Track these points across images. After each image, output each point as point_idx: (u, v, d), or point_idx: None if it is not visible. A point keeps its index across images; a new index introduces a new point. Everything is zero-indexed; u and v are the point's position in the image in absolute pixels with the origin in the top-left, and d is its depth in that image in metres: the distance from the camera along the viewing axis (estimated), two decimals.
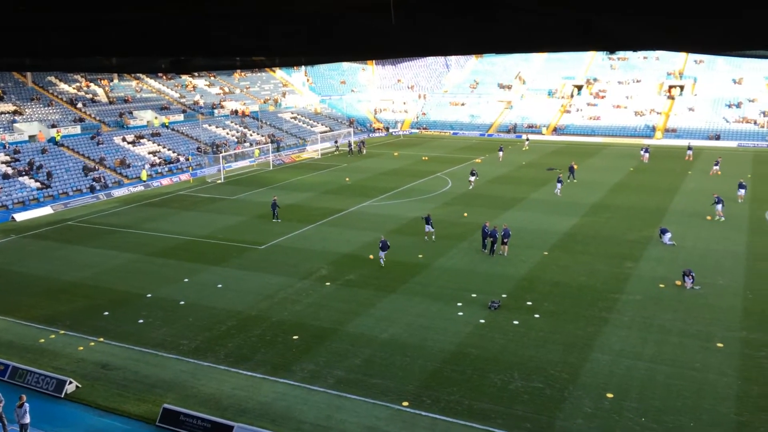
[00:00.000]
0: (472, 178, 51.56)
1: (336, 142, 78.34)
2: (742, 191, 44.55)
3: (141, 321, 26.10)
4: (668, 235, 35.16)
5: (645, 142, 76.32)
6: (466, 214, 42.24)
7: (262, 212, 44.26)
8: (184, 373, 21.81)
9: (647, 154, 63.25)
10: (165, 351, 23.40)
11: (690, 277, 28.28)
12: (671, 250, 33.91)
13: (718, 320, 24.91)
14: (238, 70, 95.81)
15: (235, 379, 21.25)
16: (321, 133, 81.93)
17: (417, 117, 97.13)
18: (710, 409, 18.85)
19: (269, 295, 28.46)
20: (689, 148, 65.59)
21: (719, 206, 39.16)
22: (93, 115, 67.60)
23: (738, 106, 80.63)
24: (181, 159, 63.49)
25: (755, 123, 77.09)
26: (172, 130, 70.40)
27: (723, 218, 39.20)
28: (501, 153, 67.47)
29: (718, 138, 75.36)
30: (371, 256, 33.15)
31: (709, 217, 39.64)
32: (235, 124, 77.02)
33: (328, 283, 29.73)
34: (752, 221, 39.44)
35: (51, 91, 69.59)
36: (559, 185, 48.12)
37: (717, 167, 55.29)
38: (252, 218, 42.82)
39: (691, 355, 22.12)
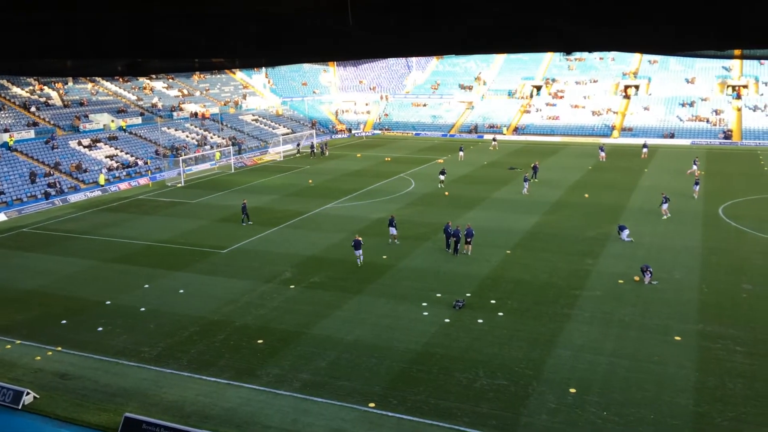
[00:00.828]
0: (442, 177, 51.84)
1: (298, 144, 77.98)
2: (697, 187, 46.03)
3: (100, 329, 25.54)
4: (626, 231, 35.96)
5: (603, 141, 77.80)
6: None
7: (224, 215, 43.78)
8: (146, 381, 21.41)
9: (603, 153, 64.52)
10: (126, 359, 22.94)
11: (648, 272, 28.96)
12: (630, 246, 34.66)
13: (676, 314, 25.56)
14: (197, 72, 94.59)
15: (199, 386, 20.96)
16: (283, 135, 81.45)
17: (379, 118, 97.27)
18: (669, 401, 19.33)
19: (232, 300, 28.16)
20: (644, 146, 67.24)
21: (665, 205, 40.13)
22: (47, 119, 65.89)
23: (691, 105, 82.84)
24: (140, 163, 62.34)
25: (707, 121, 79.25)
26: (130, 133, 69.07)
27: (667, 216, 40.03)
28: (461, 153, 68.03)
29: (672, 136, 77.31)
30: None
31: (667, 216, 40.49)
32: (195, 127, 76.00)
33: (292, 286, 29.57)
34: (706, 217, 40.61)
35: (3, 95, 67.59)
36: (525, 184, 48.71)
37: (696, 167, 54.91)
38: (214, 222, 42.32)
39: (650, 349, 22.65)
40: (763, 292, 27.77)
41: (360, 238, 32.71)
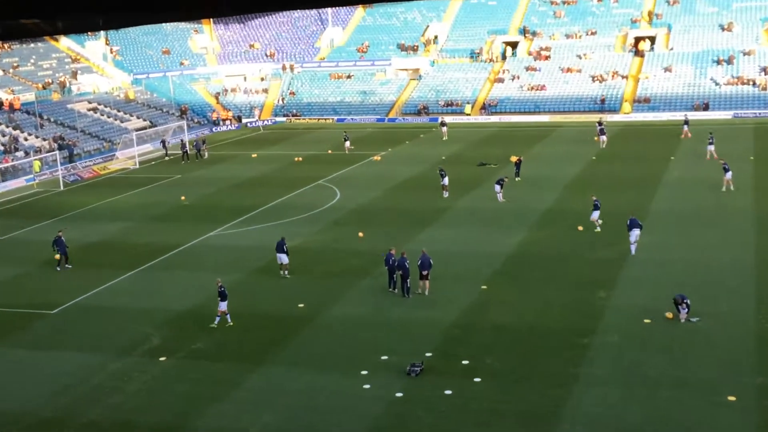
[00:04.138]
0: (445, 182, 51.14)
1: (162, 143, 76.95)
2: (729, 175, 47.81)
3: None
4: (635, 233, 37.04)
5: (609, 117, 79.39)
6: (361, 234, 42.59)
7: (50, 257, 42.72)
8: None
9: (604, 137, 65.61)
10: None
11: (684, 305, 29.64)
12: (655, 268, 35.55)
13: (726, 363, 26.27)
14: None
15: None
16: (137, 130, 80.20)
17: (283, 99, 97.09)
18: None
19: (71, 385, 27.48)
20: (686, 122, 68.38)
21: (596, 213, 41.55)
22: None
23: (729, 61, 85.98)
24: None
25: (754, 84, 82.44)
26: None
27: (729, 188, 42.44)
28: (348, 143, 70.22)
29: (706, 107, 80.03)
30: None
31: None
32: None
33: (163, 358, 29.09)
34: (759, 218, 42.21)
35: None
36: (498, 188, 48.78)
37: (712, 147, 57.80)
38: (36, 268, 41.28)
39: (694, 415, 23.22)
40: None
41: (222, 286, 31.85)
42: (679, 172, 54.72)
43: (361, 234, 42.81)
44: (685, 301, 29.76)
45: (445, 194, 50.80)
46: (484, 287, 34.47)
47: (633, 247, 37.29)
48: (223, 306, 31.70)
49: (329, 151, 70.70)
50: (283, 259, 36.88)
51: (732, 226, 41.25)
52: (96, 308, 34.82)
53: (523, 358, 27.45)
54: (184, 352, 29.56)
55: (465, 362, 27.28)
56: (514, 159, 56.92)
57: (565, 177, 55.14)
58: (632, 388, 24.97)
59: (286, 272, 37.11)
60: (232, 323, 31.64)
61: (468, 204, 49.17)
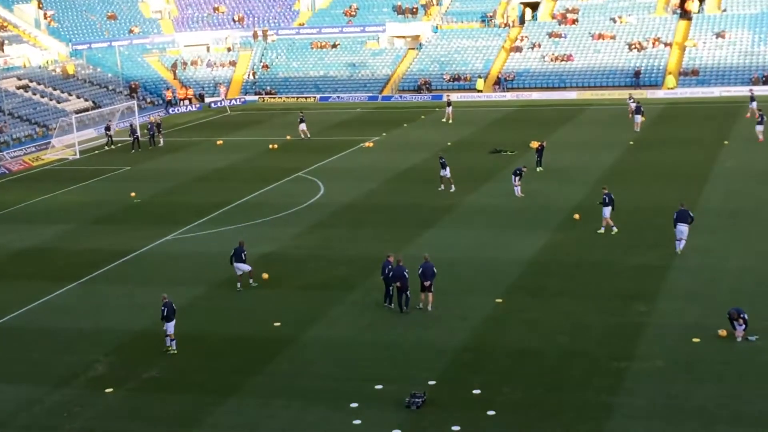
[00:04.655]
0: (446, 173, 51.22)
1: (107, 127, 76.83)
2: (760, 128, 47.97)
3: None
4: (683, 229, 37.28)
5: (649, 94, 79.56)
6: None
7: None
8: None
9: (640, 117, 65.06)
10: None
11: (740, 320, 29.66)
12: (706, 277, 35.61)
13: None
14: None
15: None
16: (78, 112, 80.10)
17: (254, 73, 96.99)
18: None
19: (1, 422, 27.39)
20: (752, 99, 67.74)
21: (606, 210, 41.64)
22: None
23: None
24: None
25: None
26: None
27: (614, 228, 41.56)
28: (303, 126, 69.97)
29: (767, 81, 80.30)
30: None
31: (602, 231, 41.86)
32: None
33: (110, 390, 29.00)
34: None
35: None
36: (516, 180, 48.73)
37: (760, 127, 58.42)
38: None
39: None
40: None
41: (168, 302, 31.73)
42: (734, 161, 54.78)
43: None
44: (741, 315, 29.68)
45: (442, 187, 50.90)
46: (499, 301, 34.46)
47: (680, 244, 37.46)
48: (170, 328, 31.42)
49: (288, 137, 70.58)
50: (242, 267, 36.88)
51: None
52: (27, 330, 34.76)
53: (547, 386, 27.36)
54: (135, 382, 29.42)
55: (476, 391, 27.17)
56: (534, 145, 56.91)
57: (597, 167, 55.22)
58: (679, 423, 24.85)
59: (251, 281, 37.21)
60: (175, 351, 31.45)
61: (479, 200, 49.24)
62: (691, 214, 38.12)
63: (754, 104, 66.86)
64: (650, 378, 27.56)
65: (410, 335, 31.81)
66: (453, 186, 50.71)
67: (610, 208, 41.50)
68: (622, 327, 31.41)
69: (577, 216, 43.63)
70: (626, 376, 27.73)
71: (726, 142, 59.97)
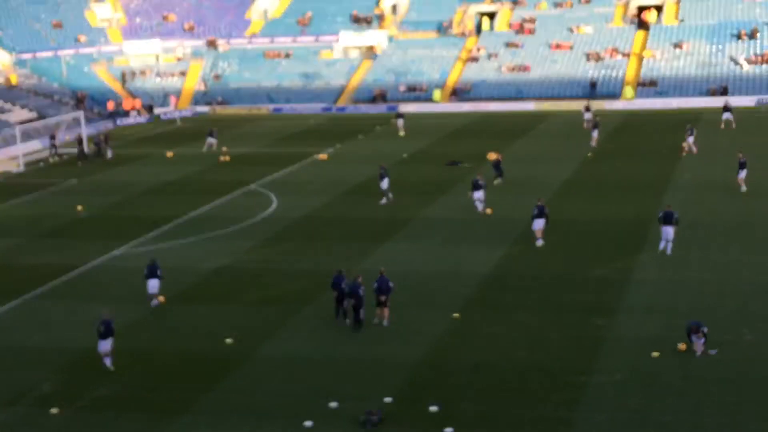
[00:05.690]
0: (478, 196, 48.88)
1: (53, 138, 76.06)
2: (743, 173, 48.82)
3: None
4: (668, 230, 37.70)
5: (607, 105, 79.88)
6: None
7: None
8: None
9: (596, 132, 64.76)
10: None
11: (700, 334, 29.70)
12: (665, 290, 35.79)
13: (752, 403, 26.34)
14: None
15: None
16: (20, 123, 79.37)
17: (205, 84, 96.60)
18: None
19: None
20: (726, 109, 68.31)
21: (539, 222, 41.85)
22: None
23: (752, 36, 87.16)
24: None
25: None
26: None
27: (541, 242, 42.01)
28: (211, 140, 70.94)
29: (724, 92, 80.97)
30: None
31: (537, 241, 42.18)
32: None
33: (55, 410, 28.56)
34: None
35: None
36: (477, 195, 48.26)
37: (691, 139, 59.55)
38: None
39: None
40: None
41: (108, 320, 31.38)
42: (692, 172, 55.26)
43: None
44: (701, 329, 29.78)
45: (383, 201, 50.91)
46: (456, 315, 34.37)
47: (668, 246, 37.91)
48: (106, 346, 30.89)
49: (224, 158, 67.94)
50: (154, 284, 36.80)
51: (758, 239, 41.68)
52: None
53: (506, 401, 27.35)
54: (83, 401, 29.10)
55: (433, 408, 27.02)
56: (492, 157, 57.04)
57: (555, 179, 55.49)
58: None
59: (156, 300, 37.02)
60: (112, 368, 31.07)
61: (436, 213, 49.24)
62: (676, 215, 38.57)
63: (727, 115, 67.72)
64: (609, 392, 27.62)
65: (366, 351, 31.71)
66: (385, 199, 50.85)
67: (543, 220, 41.72)
68: (581, 341, 31.49)
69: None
70: (585, 391, 27.78)
71: (684, 154, 60.32)
